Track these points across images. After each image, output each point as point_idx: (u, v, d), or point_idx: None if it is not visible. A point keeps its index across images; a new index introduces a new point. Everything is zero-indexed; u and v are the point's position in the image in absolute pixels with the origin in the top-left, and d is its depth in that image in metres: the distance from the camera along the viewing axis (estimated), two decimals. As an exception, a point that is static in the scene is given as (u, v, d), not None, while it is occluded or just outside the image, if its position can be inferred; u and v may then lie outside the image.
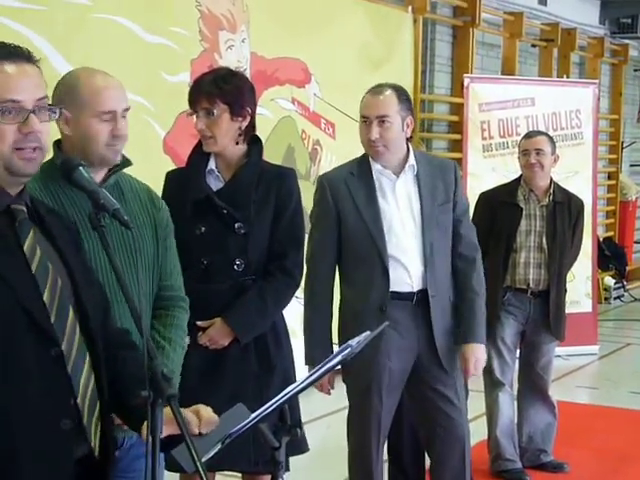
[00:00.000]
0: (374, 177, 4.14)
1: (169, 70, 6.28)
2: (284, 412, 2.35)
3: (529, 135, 5.73)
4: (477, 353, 4.26)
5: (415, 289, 4.13)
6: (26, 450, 2.13)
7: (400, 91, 4.17)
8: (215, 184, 3.72)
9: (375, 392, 4.16)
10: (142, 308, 2.24)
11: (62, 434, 2.18)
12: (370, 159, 4.16)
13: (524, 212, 5.53)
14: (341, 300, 4.25)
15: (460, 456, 4.33)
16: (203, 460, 2.06)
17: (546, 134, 5.81)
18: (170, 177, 3.83)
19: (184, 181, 3.72)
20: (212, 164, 3.73)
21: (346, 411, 4.38)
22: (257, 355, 3.72)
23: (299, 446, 3.78)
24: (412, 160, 4.16)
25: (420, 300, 4.13)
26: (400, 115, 4.08)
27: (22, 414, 2.13)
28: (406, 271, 4.11)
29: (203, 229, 3.66)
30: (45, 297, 2.19)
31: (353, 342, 2.40)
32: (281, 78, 7.13)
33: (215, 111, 3.64)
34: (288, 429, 2.34)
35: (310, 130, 7.56)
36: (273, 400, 2.32)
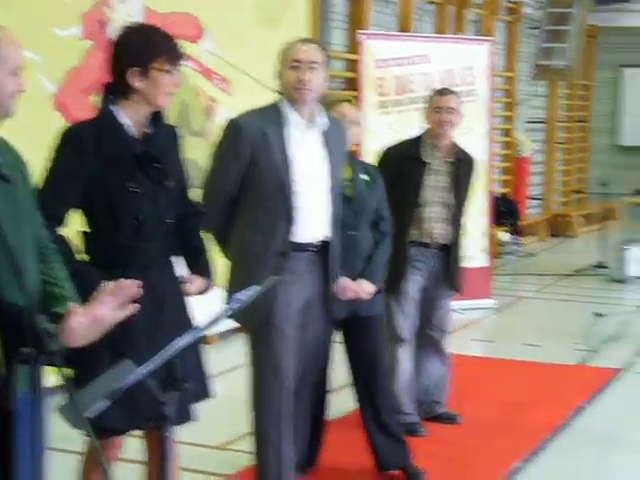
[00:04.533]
0: (288, 126, 4.23)
1: (59, 24, 6.15)
2: (172, 366, 2.33)
3: (442, 92, 5.70)
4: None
5: (316, 240, 4.29)
6: None
7: (323, 47, 4.38)
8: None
9: (275, 333, 4.24)
10: (28, 263, 2.19)
11: None
12: (284, 108, 4.24)
13: (430, 168, 5.57)
14: (237, 241, 4.31)
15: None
16: (88, 414, 2.04)
17: (456, 92, 5.82)
18: (76, 132, 3.60)
19: (98, 136, 3.54)
20: (124, 118, 3.58)
21: (245, 369, 4.39)
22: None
23: (202, 393, 3.79)
24: (322, 116, 4.29)
25: (318, 250, 4.30)
26: (324, 68, 4.25)
27: None
28: (310, 223, 4.24)
29: (135, 185, 3.56)
30: None
31: (242, 296, 2.40)
32: (173, 33, 7.00)
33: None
34: (176, 383, 2.33)
35: (205, 86, 7.49)
36: (158, 355, 2.30)
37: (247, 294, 2.40)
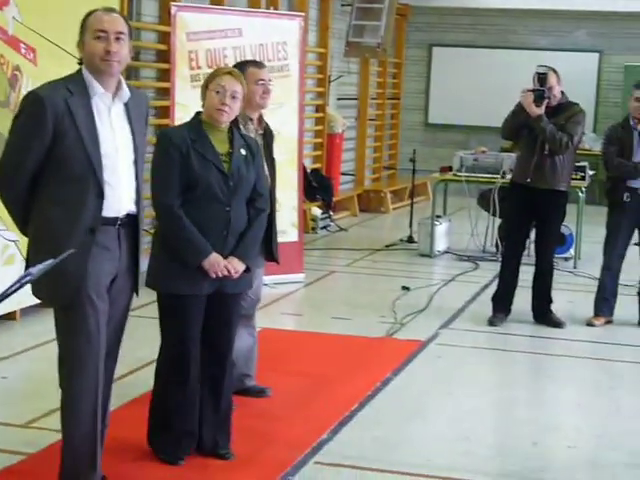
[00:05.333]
0: (93, 98, 4.13)
1: None
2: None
3: (260, 65, 5.70)
4: None
5: (121, 214, 4.22)
6: None
7: (125, 17, 4.29)
8: None
9: (84, 313, 4.16)
10: None
11: None
12: (88, 79, 4.13)
13: None
14: (41, 218, 4.17)
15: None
16: None
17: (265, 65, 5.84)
18: None
19: None
20: None
21: (50, 345, 4.29)
22: None
23: None
24: (125, 87, 4.22)
25: (123, 224, 4.24)
26: (129, 39, 4.19)
27: None
28: (118, 197, 4.18)
29: None
30: None
31: (34, 270, 2.34)
32: (-25, -1, 6.79)
33: None
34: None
35: (9, 55, 7.23)
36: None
37: (40, 268, 2.34)
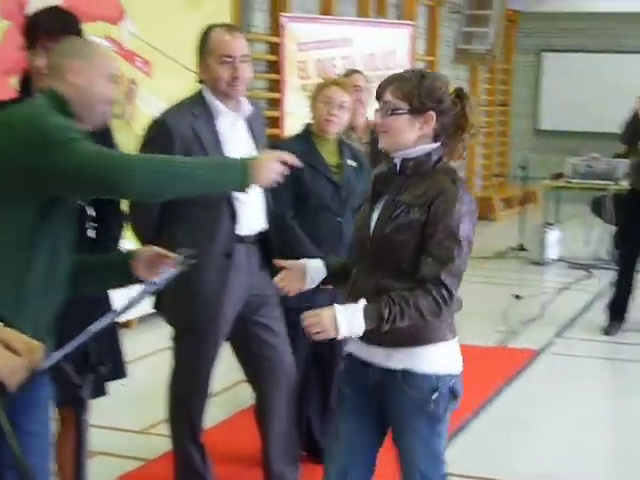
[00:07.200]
0: (217, 119, 4.11)
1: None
2: (88, 350, 2.31)
3: (346, 74, 5.75)
4: None
5: (254, 232, 4.21)
6: None
7: (243, 33, 4.26)
8: None
9: (212, 338, 4.20)
10: None
11: None
12: (210, 99, 4.10)
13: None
14: (172, 243, 4.10)
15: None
16: None
17: (360, 72, 5.84)
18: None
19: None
20: None
21: (167, 352, 4.36)
22: None
23: (117, 371, 3.79)
24: (246, 103, 4.18)
25: (254, 241, 4.22)
26: (250, 57, 4.15)
27: None
28: (251, 215, 4.16)
29: None
30: None
31: (158, 280, 2.39)
32: (94, 15, 6.94)
33: None
34: (92, 367, 2.31)
35: (125, 68, 7.40)
36: (75, 339, 2.28)
37: (163, 277, 2.39)
